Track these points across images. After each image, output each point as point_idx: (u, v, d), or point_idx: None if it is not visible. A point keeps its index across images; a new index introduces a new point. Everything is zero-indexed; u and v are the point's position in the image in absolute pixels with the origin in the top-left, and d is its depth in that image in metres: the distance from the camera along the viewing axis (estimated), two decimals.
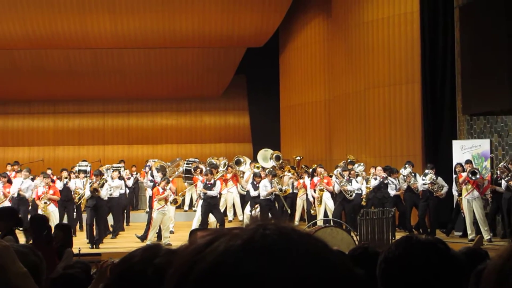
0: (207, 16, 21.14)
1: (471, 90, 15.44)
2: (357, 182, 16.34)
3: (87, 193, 15.45)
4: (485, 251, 4.99)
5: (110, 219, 16.80)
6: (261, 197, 16.15)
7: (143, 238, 15.43)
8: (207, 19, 21.24)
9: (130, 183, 19.50)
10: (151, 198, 16.74)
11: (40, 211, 15.21)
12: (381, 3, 18.34)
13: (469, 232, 14.65)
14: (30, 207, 16.26)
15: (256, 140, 24.67)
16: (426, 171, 15.68)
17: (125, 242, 15.51)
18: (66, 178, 16.92)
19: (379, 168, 16.29)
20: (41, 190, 15.82)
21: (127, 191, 18.80)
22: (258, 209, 16.16)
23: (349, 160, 17.80)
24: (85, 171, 17.56)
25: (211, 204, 15.65)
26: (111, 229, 16.80)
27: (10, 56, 22.84)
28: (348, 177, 16.13)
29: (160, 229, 15.37)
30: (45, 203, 15.56)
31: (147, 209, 18.21)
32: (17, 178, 16.94)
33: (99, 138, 25.54)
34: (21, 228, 8.20)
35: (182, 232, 16.49)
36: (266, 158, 20.58)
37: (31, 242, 8.13)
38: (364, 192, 16.29)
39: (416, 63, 17.64)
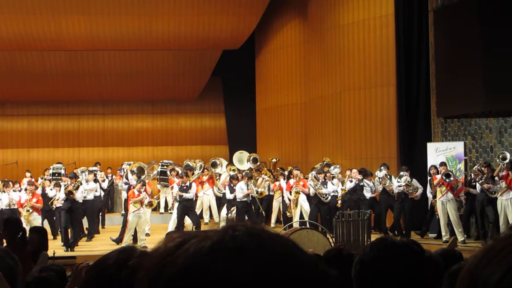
0: (182, 18, 21.09)
1: (446, 93, 15.57)
2: (333, 184, 16.40)
3: (62, 196, 15.32)
4: (460, 252, 5.04)
5: (85, 222, 16.69)
6: (238, 200, 16.14)
7: (118, 240, 15.35)
8: (183, 21, 21.19)
9: (105, 185, 19.39)
10: (126, 200, 16.66)
11: (23, 219, 15.01)
12: (357, 7, 18.44)
13: (443, 233, 14.76)
14: None
15: (232, 142, 24.66)
16: (401, 173, 15.79)
17: (100, 245, 15.41)
18: (48, 186, 16.74)
19: (354, 170, 16.37)
20: (24, 197, 15.57)
21: (102, 193, 18.70)
22: (234, 212, 16.15)
23: (325, 163, 17.86)
24: (59, 174, 17.41)
25: (187, 207, 15.63)
26: (86, 232, 16.68)
27: None
28: (323, 180, 16.18)
29: (136, 232, 15.29)
30: (28, 211, 15.33)
31: (123, 212, 18.11)
32: None
33: (74, 140, 25.37)
34: None
35: (158, 234, 16.43)
36: (241, 160, 20.58)
37: (5, 245, 8.04)
38: (339, 194, 16.35)
39: (391, 66, 17.75)
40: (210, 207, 18.84)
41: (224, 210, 16.97)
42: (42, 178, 17.75)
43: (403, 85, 17.50)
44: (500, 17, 13.92)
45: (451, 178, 14.53)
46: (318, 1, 19.76)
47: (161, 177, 18.73)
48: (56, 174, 17.42)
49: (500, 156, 13.98)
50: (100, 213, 18.63)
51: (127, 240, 14.95)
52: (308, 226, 13.56)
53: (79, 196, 15.27)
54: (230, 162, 20.16)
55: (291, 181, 16.92)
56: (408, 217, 15.96)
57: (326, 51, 19.30)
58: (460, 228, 14.50)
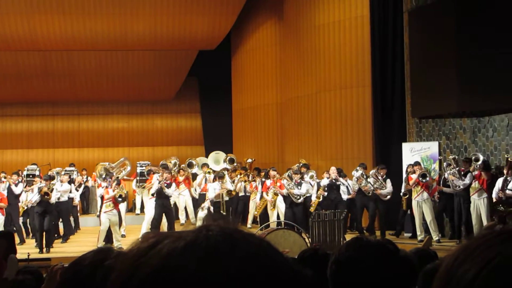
0: (158, 19, 21.02)
1: (420, 93, 15.68)
2: (311, 184, 16.35)
3: (36, 198, 15.16)
4: (434, 251, 5.09)
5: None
6: (210, 199, 16.28)
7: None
8: (159, 21, 21.11)
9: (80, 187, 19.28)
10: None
11: None
12: (332, 7, 18.51)
13: (418, 233, 14.85)
14: None
15: (208, 142, 24.64)
16: (370, 172, 15.87)
17: (75, 247, 15.29)
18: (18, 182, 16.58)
19: (333, 168, 16.36)
20: None
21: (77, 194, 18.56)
22: (206, 209, 16.31)
23: (301, 164, 17.81)
24: (33, 175, 17.25)
25: (164, 205, 15.55)
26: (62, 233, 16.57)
27: None
28: (298, 181, 16.12)
29: (111, 233, 15.16)
30: None
31: (98, 213, 17.97)
32: None
33: (48, 141, 25.17)
34: None
35: (134, 235, 16.33)
36: (217, 160, 20.56)
37: None
38: (314, 199, 16.25)
39: (366, 67, 17.85)
40: (186, 208, 18.79)
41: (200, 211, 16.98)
42: (5, 178, 17.51)
43: (378, 86, 17.60)
44: (474, 17, 14.04)
45: (427, 179, 14.64)
46: (294, 1, 19.81)
47: (140, 178, 18.67)
48: (31, 176, 17.27)
49: (473, 158, 14.11)
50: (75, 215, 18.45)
51: (101, 241, 14.85)
52: (284, 226, 13.56)
53: (52, 198, 15.13)
54: (205, 163, 20.11)
55: (268, 182, 16.91)
56: (382, 217, 16.03)
57: (302, 52, 19.35)
58: (435, 228, 14.60)
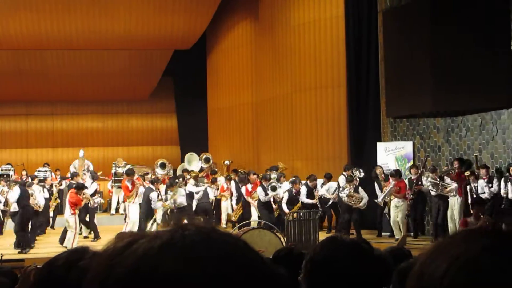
0: (133, 18, 20.91)
1: (394, 93, 15.76)
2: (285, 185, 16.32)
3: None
4: (408, 250, 5.13)
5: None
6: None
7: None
8: (134, 21, 21.01)
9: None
10: None
11: None
12: (307, 7, 18.54)
13: (395, 232, 14.93)
14: None
15: (183, 142, 24.57)
16: (342, 185, 15.63)
17: (49, 247, 15.17)
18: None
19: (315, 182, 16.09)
20: None
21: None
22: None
23: (276, 174, 17.49)
24: (8, 175, 17.11)
25: (152, 209, 15.45)
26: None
27: None
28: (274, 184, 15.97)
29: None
30: None
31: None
32: None
33: (22, 141, 24.93)
34: None
35: (108, 236, 16.20)
36: (190, 161, 20.51)
37: None
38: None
39: (341, 67, 17.90)
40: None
41: None
42: None
43: (353, 86, 17.66)
44: (448, 18, 14.14)
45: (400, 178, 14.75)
46: (269, 1, 19.83)
47: (115, 178, 18.59)
48: (5, 176, 17.13)
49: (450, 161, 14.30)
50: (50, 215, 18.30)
51: (76, 242, 14.75)
52: (259, 226, 13.56)
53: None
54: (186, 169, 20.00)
55: (249, 186, 16.70)
56: (359, 217, 15.99)
57: (277, 52, 19.37)
58: (402, 227, 14.66)
